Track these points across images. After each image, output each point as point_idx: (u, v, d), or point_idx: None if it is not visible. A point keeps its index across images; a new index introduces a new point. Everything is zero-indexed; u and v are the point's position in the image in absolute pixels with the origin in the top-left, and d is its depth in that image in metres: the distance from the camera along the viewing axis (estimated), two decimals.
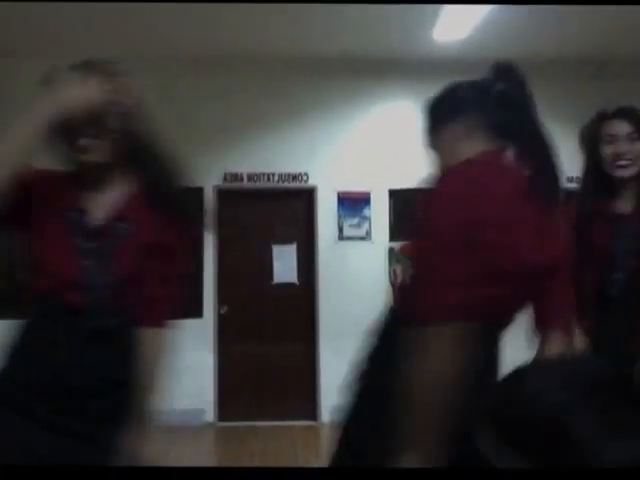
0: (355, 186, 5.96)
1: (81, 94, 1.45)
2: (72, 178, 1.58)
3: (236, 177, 5.95)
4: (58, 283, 1.48)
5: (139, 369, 1.56)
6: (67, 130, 1.50)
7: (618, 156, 2.25)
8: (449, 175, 1.43)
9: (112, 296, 1.50)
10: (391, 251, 5.92)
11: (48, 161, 1.59)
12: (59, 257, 1.49)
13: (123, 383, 1.54)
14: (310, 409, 5.80)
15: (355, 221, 5.95)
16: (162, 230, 1.57)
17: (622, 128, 2.26)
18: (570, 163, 6.98)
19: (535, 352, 1.75)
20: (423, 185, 1.46)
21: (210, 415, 5.72)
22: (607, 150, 2.27)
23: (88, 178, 1.56)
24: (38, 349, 1.49)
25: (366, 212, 5.96)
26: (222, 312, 5.86)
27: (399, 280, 5.91)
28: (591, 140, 2.34)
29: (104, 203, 1.56)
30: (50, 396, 1.46)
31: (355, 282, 5.79)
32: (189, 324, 5.75)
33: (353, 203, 5.95)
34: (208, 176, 5.87)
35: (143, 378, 1.57)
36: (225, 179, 5.95)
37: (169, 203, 1.59)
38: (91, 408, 1.49)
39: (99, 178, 1.56)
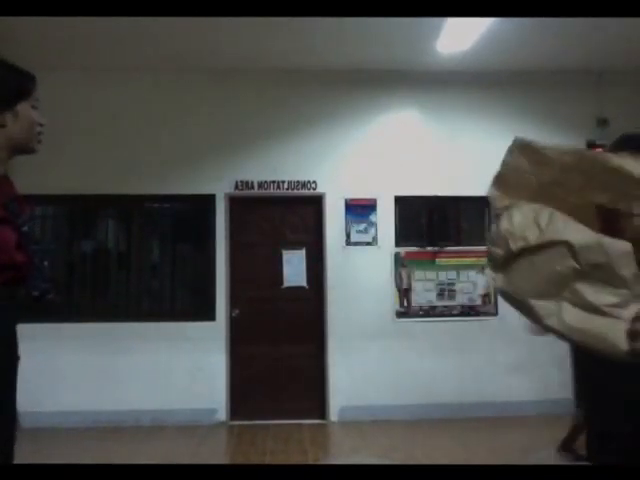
0: (362, 193, 6.07)
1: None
2: None
3: (247, 185, 6.05)
4: (14, 262, 1.77)
5: None
6: None
7: None
8: None
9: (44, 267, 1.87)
10: (397, 256, 6.04)
11: None
12: (14, 242, 1.76)
13: None
14: (319, 408, 5.91)
15: (362, 227, 6.05)
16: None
17: None
18: None
19: None
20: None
21: (222, 414, 5.84)
22: None
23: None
24: None
25: (372, 218, 6.06)
26: (234, 315, 5.98)
27: (404, 284, 6.02)
28: None
29: (15, 194, 1.86)
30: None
31: (362, 286, 5.91)
32: (202, 327, 5.93)
33: (360, 209, 6.05)
34: (220, 184, 6.03)
35: None
36: (236, 187, 6.05)
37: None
38: None
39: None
